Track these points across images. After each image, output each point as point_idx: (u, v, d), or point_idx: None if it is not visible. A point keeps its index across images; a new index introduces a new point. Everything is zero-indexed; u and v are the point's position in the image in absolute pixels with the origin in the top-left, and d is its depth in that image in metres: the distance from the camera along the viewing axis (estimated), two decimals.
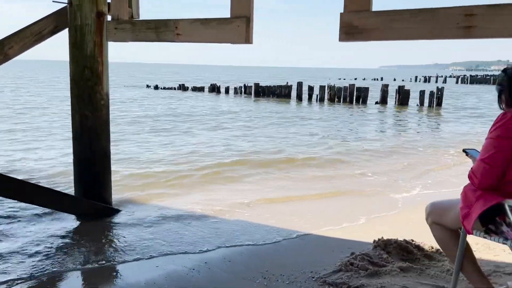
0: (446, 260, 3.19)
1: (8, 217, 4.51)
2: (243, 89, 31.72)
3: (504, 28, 2.19)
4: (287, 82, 32.18)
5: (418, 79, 74.31)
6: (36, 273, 3.20)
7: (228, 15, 3.20)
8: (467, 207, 2.09)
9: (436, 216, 2.37)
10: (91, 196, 4.52)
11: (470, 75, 79.61)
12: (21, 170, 6.91)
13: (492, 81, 61.94)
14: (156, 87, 36.70)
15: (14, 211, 4.67)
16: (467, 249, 2.33)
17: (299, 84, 28.48)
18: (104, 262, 3.45)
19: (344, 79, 67.38)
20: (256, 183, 6.55)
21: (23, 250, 3.64)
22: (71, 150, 4.60)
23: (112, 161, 4.71)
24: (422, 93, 24.24)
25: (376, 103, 25.00)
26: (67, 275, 3.22)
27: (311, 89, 27.68)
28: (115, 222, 4.46)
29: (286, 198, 5.66)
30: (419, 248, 3.47)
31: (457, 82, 69.17)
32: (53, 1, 4.30)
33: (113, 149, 4.88)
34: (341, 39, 2.78)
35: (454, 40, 2.47)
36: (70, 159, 4.92)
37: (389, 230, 4.00)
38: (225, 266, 3.37)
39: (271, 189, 6.16)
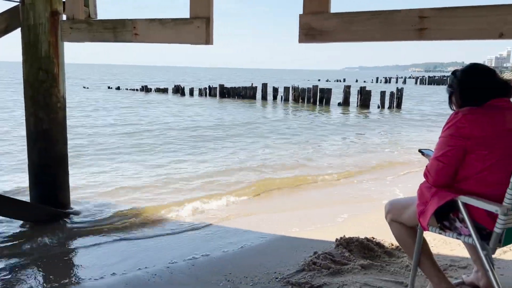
0: (405, 257, 3.27)
1: None
2: (208, 91, 31.54)
3: (454, 30, 2.26)
4: (252, 84, 32.28)
5: (379, 80, 76.34)
6: None
7: (187, 16, 3.15)
8: (423, 204, 2.14)
9: (395, 214, 2.42)
10: (48, 201, 4.35)
11: (428, 76, 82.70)
12: None
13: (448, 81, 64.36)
14: (118, 88, 35.93)
15: None
16: (424, 245, 2.38)
17: (264, 86, 28.64)
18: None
19: (309, 80, 68.23)
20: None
21: None
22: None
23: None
24: (383, 93, 24.89)
25: (339, 104, 25.46)
26: None
27: (275, 90, 27.90)
28: (69, 227, 4.31)
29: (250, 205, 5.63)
30: (379, 245, 3.54)
31: (416, 83, 71.66)
32: None
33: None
34: (300, 41, 2.79)
35: (413, 42, 2.54)
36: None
37: (353, 229, 4.06)
38: (188, 270, 3.32)
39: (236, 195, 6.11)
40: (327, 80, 76.32)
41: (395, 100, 24.38)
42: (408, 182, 6.60)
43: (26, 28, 4.12)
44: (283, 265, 3.29)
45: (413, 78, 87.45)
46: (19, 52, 4.21)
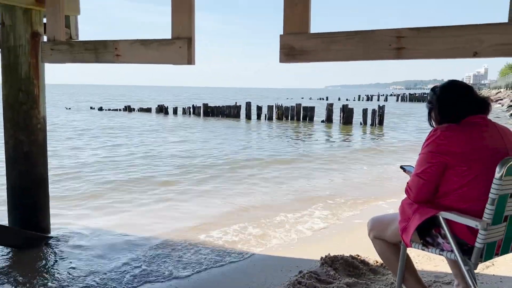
0: (390, 274, 3.26)
1: None
2: (191, 110, 31.53)
3: (430, 50, 2.32)
4: (236, 102, 32.39)
5: (361, 98, 77.28)
6: None
7: (168, 36, 3.16)
8: (405, 220, 2.15)
9: (377, 231, 2.43)
10: (27, 225, 4.25)
11: (409, 94, 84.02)
12: None
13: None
14: (100, 109, 35.65)
15: None
16: (408, 262, 2.39)
17: (248, 104, 28.77)
18: None
19: (292, 98, 68.76)
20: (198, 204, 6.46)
21: None
22: None
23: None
24: (365, 111, 25.22)
25: (322, 121, 25.69)
26: None
27: (259, 108, 28.04)
28: (50, 251, 4.21)
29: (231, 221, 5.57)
30: (364, 263, 3.54)
31: (397, 100, 72.80)
32: None
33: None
34: (281, 61, 2.82)
35: (393, 61, 2.57)
36: None
37: (337, 246, 4.05)
38: None
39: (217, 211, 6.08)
40: (310, 98, 77.07)
41: (377, 117, 24.72)
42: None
43: (6, 50, 4.09)
44: (267, 286, 3.25)
45: (395, 95, 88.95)
46: None
